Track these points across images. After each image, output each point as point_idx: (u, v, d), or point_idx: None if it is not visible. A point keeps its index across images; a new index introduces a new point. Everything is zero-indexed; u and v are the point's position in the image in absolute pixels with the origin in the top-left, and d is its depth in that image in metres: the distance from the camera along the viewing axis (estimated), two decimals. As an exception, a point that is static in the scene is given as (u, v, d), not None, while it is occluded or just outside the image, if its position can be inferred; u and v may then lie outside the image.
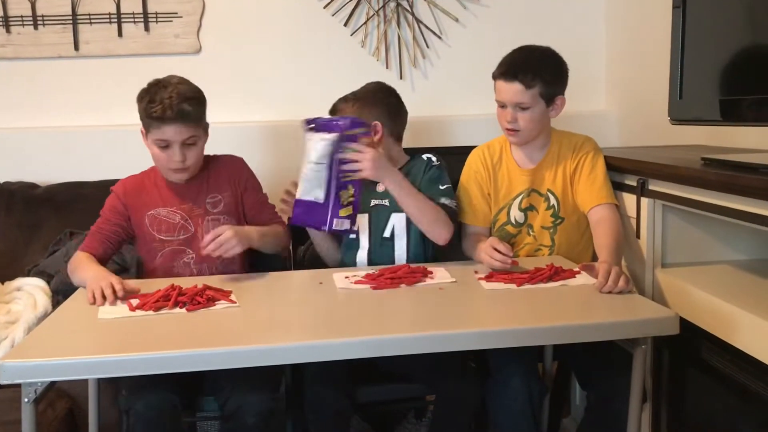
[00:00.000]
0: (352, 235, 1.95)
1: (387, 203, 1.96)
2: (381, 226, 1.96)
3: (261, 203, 2.02)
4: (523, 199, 1.97)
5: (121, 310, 1.55)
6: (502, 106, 1.91)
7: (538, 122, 1.90)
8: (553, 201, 1.96)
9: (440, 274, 1.76)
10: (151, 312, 1.53)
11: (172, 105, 1.80)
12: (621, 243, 1.81)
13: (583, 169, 1.92)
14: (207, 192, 1.95)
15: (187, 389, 1.69)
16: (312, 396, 1.70)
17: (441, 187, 1.94)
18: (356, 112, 1.94)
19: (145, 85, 1.87)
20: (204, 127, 1.91)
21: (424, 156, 2.01)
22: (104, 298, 1.59)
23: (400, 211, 1.93)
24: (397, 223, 1.95)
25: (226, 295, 1.61)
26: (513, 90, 1.86)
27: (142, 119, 1.86)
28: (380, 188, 1.95)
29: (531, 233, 1.98)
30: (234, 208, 1.97)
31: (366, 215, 1.96)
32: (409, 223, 1.94)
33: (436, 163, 1.98)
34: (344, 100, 2.00)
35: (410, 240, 1.96)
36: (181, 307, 1.55)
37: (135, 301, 1.57)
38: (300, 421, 1.94)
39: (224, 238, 1.75)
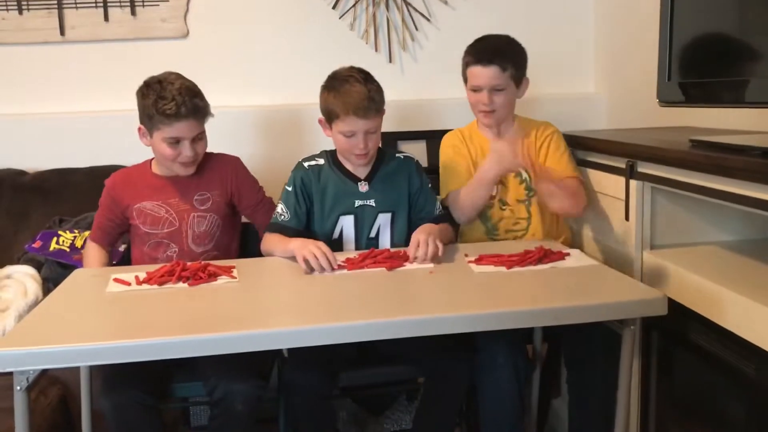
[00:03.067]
0: (335, 236, 1.95)
1: (373, 203, 1.94)
2: (367, 226, 1.94)
3: (259, 202, 2.03)
4: None
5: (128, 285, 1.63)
6: (476, 90, 1.99)
7: (510, 103, 2.02)
8: (525, 175, 2.02)
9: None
10: (155, 286, 1.60)
11: (185, 101, 1.79)
12: (573, 203, 1.91)
13: (549, 148, 2.03)
14: (196, 189, 1.95)
15: (160, 381, 1.71)
16: (290, 380, 1.71)
17: (436, 197, 2.02)
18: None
19: (136, 77, 1.86)
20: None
21: (402, 155, 2.02)
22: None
23: (387, 210, 1.94)
24: (383, 222, 1.95)
25: (227, 270, 1.68)
26: (490, 73, 1.95)
27: (148, 116, 1.82)
28: (363, 188, 1.94)
29: (504, 207, 2.03)
30: (222, 207, 1.97)
31: (351, 216, 1.94)
32: (392, 220, 1.95)
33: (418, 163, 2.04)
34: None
35: (393, 237, 1.95)
36: (184, 282, 1.62)
37: (142, 275, 1.65)
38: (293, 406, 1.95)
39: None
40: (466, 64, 2.02)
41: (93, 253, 1.98)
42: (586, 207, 1.97)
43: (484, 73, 1.96)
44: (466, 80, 2.04)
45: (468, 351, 1.77)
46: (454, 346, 1.75)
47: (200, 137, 1.87)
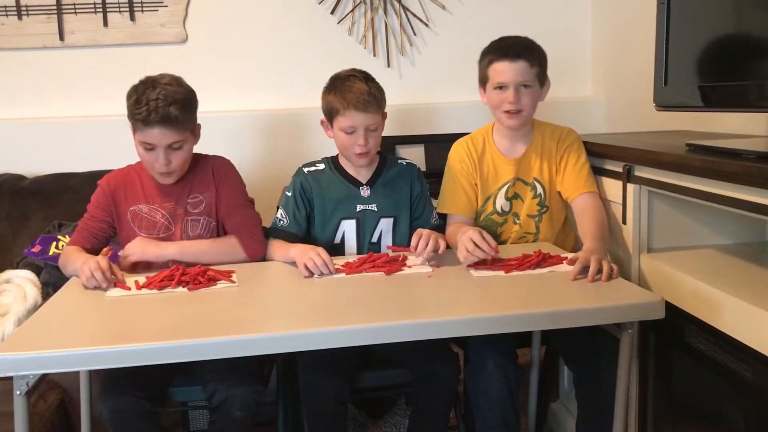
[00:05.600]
0: (337, 241, 1.95)
1: (375, 208, 1.94)
2: (369, 231, 1.95)
3: (234, 207, 1.93)
4: (508, 189, 1.99)
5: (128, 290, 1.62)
6: (500, 87, 1.90)
7: (535, 104, 1.94)
8: (540, 190, 1.98)
9: (418, 262, 1.77)
10: (155, 290, 1.61)
11: (158, 108, 1.74)
12: (606, 230, 1.83)
13: (569, 160, 1.96)
14: (189, 192, 1.92)
15: (159, 386, 1.70)
16: (309, 385, 1.71)
17: (433, 203, 2.00)
18: None
19: (136, 82, 1.83)
20: (192, 130, 1.86)
21: (404, 161, 2.02)
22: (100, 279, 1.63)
23: (389, 216, 1.95)
24: (384, 227, 1.95)
25: (227, 275, 1.67)
26: (517, 68, 1.87)
27: (128, 118, 1.81)
28: (365, 193, 1.95)
29: (517, 222, 2.00)
30: (215, 209, 1.94)
31: (353, 220, 1.94)
32: (394, 225, 1.95)
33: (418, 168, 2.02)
34: None
35: (395, 242, 1.96)
36: (183, 286, 1.62)
37: (142, 280, 1.65)
38: (292, 411, 1.95)
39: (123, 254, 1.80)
40: (488, 62, 1.91)
41: (73, 249, 1.86)
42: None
43: (512, 69, 1.87)
44: (484, 82, 1.95)
45: (452, 352, 1.78)
46: (440, 348, 1.76)
47: (177, 147, 1.81)
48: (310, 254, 1.71)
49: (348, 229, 1.94)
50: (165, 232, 1.91)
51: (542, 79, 1.93)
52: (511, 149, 2.00)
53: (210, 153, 2.02)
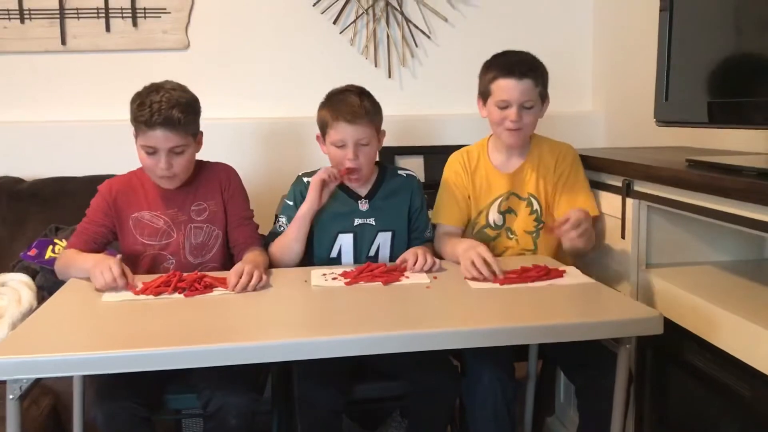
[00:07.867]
0: (333, 255, 1.94)
1: (373, 222, 1.93)
2: (366, 245, 1.93)
3: (243, 219, 1.96)
4: (501, 202, 1.98)
5: (125, 294, 1.63)
6: (504, 107, 1.89)
7: (536, 122, 1.93)
8: (536, 206, 1.98)
9: (416, 274, 1.77)
10: (152, 296, 1.61)
11: (161, 110, 1.75)
12: (593, 241, 1.84)
13: (567, 181, 1.96)
14: (193, 199, 1.92)
15: (154, 393, 1.69)
16: (304, 394, 1.69)
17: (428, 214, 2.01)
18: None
19: (136, 87, 1.84)
20: (194, 135, 1.86)
21: (404, 172, 2.01)
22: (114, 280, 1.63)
23: (387, 230, 1.93)
24: (382, 241, 1.94)
25: (224, 281, 1.67)
26: (523, 87, 1.86)
27: (131, 122, 1.82)
28: (363, 207, 1.93)
29: (512, 237, 1.99)
30: (219, 218, 1.93)
31: (350, 234, 1.93)
32: (393, 239, 1.94)
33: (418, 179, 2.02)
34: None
35: (393, 255, 1.94)
36: (180, 293, 1.62)
37: (138, 286, 1.66)
38: (287, 420, 1.94)
39: (255, 279, 1.67)
40: (492, 78, 1.89)
41: (74, 251, 1.84)
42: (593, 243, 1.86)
43: (517, 87, 1.85)
44: (485, 96, 1.93)
45: (451, 364, 1.77)
46: (440, 360, 1.75)
47: (179, 151, 1.81)
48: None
49: (345, 242, 1.93)
50: (167, 239, 1.90)
51: (544, 97, 1.92)
52: (505, 163, 2.00)
53: (209, 159, 2.02)
